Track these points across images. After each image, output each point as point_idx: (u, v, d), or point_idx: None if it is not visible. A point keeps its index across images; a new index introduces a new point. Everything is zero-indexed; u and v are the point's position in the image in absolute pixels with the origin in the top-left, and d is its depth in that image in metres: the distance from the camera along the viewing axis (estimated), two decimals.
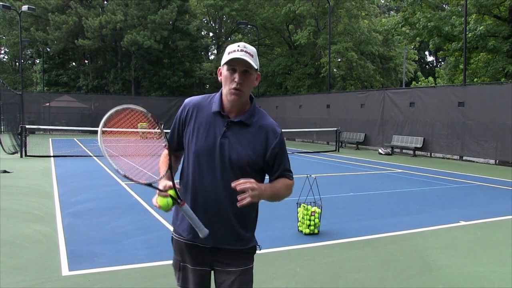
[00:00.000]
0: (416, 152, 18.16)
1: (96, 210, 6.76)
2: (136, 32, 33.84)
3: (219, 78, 2.01)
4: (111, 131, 2.07)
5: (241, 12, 37.53)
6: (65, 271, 4.15)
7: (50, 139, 24.15)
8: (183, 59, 39.61)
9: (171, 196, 1.88)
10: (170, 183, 1.90)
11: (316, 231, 5.51)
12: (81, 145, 20.68)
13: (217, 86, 1.92)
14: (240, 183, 1.82)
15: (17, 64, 53.68)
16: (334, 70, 37.36)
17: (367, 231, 5.74)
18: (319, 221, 5.53)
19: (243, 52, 1.90)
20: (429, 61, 61.79)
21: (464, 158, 16.58)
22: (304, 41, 33.20)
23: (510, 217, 6.77)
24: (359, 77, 36.17)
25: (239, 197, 1.82)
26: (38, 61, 44.29)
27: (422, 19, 22.69)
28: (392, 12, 52.75)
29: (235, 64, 1.91)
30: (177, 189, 1.90)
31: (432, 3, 24.80)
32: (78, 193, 8.16)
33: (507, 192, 9.25)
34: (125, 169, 1.93)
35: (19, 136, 15.12)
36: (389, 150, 18.78)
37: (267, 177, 2.08)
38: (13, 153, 15.32)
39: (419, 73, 47.20)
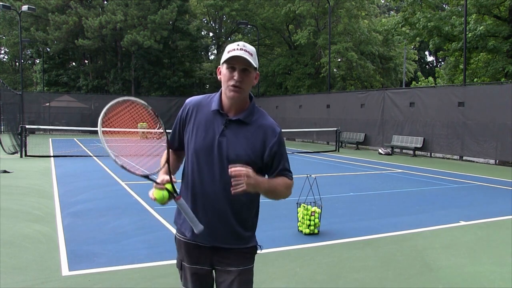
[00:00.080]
0: (416, 152, 18.16)
1: (96, 210, 6.76)
2: (136, 32, 33.84)
3: (218, 77, 2.02)
4: (112, 131, 2.08)
5: (241, 12, 37.53)
6: (65, 271, 4.15)
7: (50, 139, 24.15)
8: (183, 59, 39.61)
9: (167, 189, 1.88)
10: (167, 177, 1.91)
11: (316, 231, 5.51)
12: (81, 145, 20.68)
13: (217, 86, 1.93)
14: (236, 169, 1.80)
15: (17, 64, 53.69)
16: (334, 70, 37.36)
17: (367, 231, 5.74)
18: (319, 221, 5.53)
19: (243, 51, 1.91)
20: (429, 61, 61.81)
21: (464, 158, 16.58)
22: (304, 41, 33.20)
23: (510, 217, 6.77)
24: (359, 77, 36.16)
25: (233, 182, 1.80)
26: (38, 61, 44.30)
27: (422, 19, 22.69)
28: (392, 12, 52.75)
29: (235, 63, 1.92)
30: (173, 183, 1.91)
31: (432, 3, 24.79)
32: (78, 193, 8.16)
33: (507, 192, 9.25)
34: (123, 159, 1.95)
35: (19, 136, 15.12)
36: (389, 150, 18.78)
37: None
38: (13, 153, 15.32)
39: (419, 73, 47.20)
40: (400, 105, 19.28)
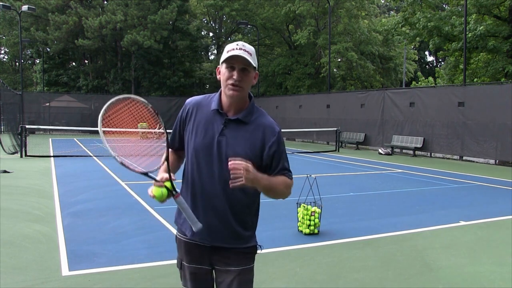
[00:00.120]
0: (416, 152, 18.16)
1: (96, 210, 6.76)
2: (136, 32, 33.84)
3: (217, 77, 2.03)
4: (112, 131, 2.09)
5: (241, 12, 37.53)
6: (65, 271, 4.15)
7: (50, 139, 24.15)
8: (183, 59, 39.61)
9: (166, 187, 1.89)
10: (166, 175, 1.92)
11: (316, 231, 5.51)
12: (81, 145, 20.68)
13: (217, 86, 1.93)
14: (236, 162, 1.79)
15: (17, 64, 53.69)
16: (334, 70, 37.36)
17: (367, 231, 5.74)
18: (319, 221, 5.53)
19: (242, 50, 1.91)
20: (429, 61, 61.80)
21: (464, 158, 16.58)
22: (304, 41, 33.20)
23: (510, 217, 6.77)
24: (359, 77, 36.16)
25: (231, 175, 1.80)
26: (38, 61, 44.30)
27: (422, 19, 22.69)
28: (392, 12, 52.75)
29: (234, 62, 1.92)
30: (173, 181, 1.92)
31: (432, 3, 24.79)
32: (78, 193, 8.16)
33: (507, 192, 9.25)
34: (122, 156, 1.97)
35: (19, 136, 15.12)
36: (389, 150, 18.78)
37: None
38: (13, 153, 15.32)
39: (419, 73, 47.20)
40: (400, 105, 19.28)
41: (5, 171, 10.61)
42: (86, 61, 41.51)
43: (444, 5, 29.21)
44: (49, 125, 28.53)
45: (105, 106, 1.97)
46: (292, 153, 18.00)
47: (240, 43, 1.95)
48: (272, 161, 2.00)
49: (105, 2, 36.89)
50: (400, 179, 11.01)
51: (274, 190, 1.97)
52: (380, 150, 18.86)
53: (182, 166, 2.18)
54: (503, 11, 22.32)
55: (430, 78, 41.23)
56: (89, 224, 5.92)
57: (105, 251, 4.75)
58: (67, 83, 39.14)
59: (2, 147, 15.93)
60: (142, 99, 2.00)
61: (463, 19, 19.15)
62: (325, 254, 4.83)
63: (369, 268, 4.39)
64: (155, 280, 3.98)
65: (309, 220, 5.45)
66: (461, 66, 22.11)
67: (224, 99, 2.02)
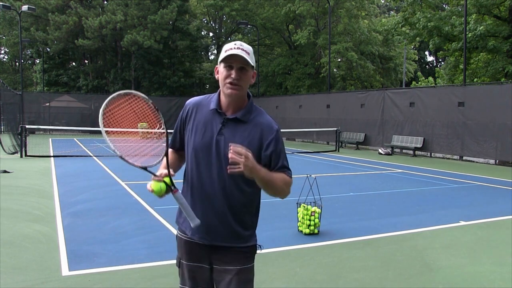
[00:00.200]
0: (416, 152, 18.16)
1: (96, 210, 6.76)
2: (136, 32, 33.84)
3: (216, 77, 2.04)
4: (113, 131, 2.10)
5: (241, 12, 37.53)
6: (65, 271, 4.15)
7: (50, 139, 24.15)
8: (183, 59, 39.61)
9: (164, 182, 1.90)
10: (165, 171, 1.94)
11: (316, 231, 5.51)
12: (81, 145, 20.68)
13: (217, 86, 1.92)
14: (237, 148, 1.79)
15: (17, 64, 53.69)
16: (334, 70, 37.36)
17: (367, 231, 5.74)
18: (319, 221, 5.53)
19: (240, 50, 1.92)
20: (429, 61, 61.81)
21: (464, 158, 16.58)
22: (304, 41, 33.20)
23: (510, 217, 6.77)
24: (359, 77, 36.17)
25: (230, 160, 1.81)
26: (38, 61, 44.30)
27: (422, 19, 22.69)
28: (392, 12, 52.75)
29: (232, 61, 1.93)
30: (171, 177, 1.93)
31: (432, 3, 24.79)
32: (78, 193, 8.16)
33: (507, 192, 9.25)
34: (122, 151, 1.99)
35: (19, 136, 15.12)
36: (389, 150, 18.78)
37: None
38: (13, 153, 15.32)
39: (419, 73, 47.19)
40: (400, 105, 19.28)
41: (5, 171, 10.61)
42: (86, 61, 41.51)
43: (444, 5, 29.20)
44: (49, 125, 28.53)
45: (106, 101, 1.99)
46: (292, 153, 18.00)
47: (238, 42, 1.96)
48: (270, 159, 2.00)
49: (105, 2, 36.89)
50: (400, 179, 11.01)
51: (272, 184, 1.95)
52: (380, 150, 18.86)
53: (183, 166, 2.19)
54: (503, 11, 22.32)
55: (430, 78, 41.23)
56: (89, 224, 5.92)
57: (105, 251, 4.75)
58: (67, 83, 39.14)
59: (2, 147, 15.93)
60: (143, 95, 2.03)
61: (463, 19, 19.15)
62: (325, 254, 4.83)
63: (369, 268, 4.39)
64: (155, 280, 3.98)
65: (309, 220, 5.45)
66: (461, 66, 22.11)
67: (222, 98, 2.03)
